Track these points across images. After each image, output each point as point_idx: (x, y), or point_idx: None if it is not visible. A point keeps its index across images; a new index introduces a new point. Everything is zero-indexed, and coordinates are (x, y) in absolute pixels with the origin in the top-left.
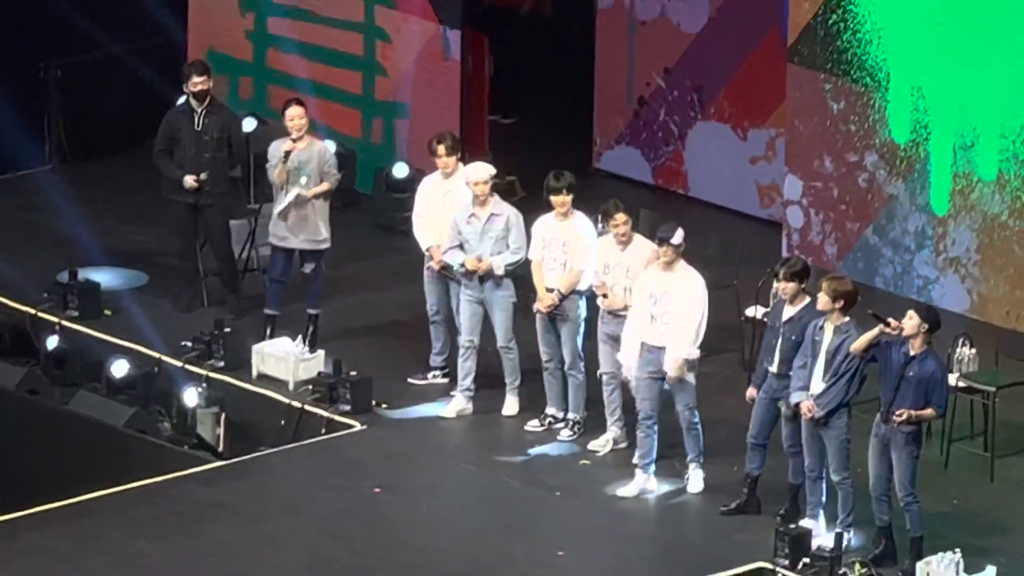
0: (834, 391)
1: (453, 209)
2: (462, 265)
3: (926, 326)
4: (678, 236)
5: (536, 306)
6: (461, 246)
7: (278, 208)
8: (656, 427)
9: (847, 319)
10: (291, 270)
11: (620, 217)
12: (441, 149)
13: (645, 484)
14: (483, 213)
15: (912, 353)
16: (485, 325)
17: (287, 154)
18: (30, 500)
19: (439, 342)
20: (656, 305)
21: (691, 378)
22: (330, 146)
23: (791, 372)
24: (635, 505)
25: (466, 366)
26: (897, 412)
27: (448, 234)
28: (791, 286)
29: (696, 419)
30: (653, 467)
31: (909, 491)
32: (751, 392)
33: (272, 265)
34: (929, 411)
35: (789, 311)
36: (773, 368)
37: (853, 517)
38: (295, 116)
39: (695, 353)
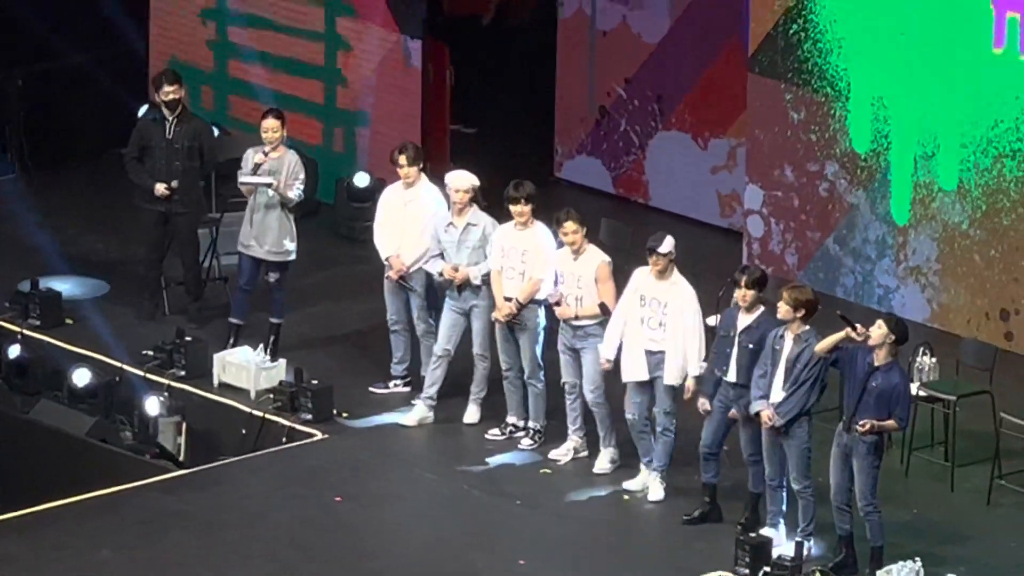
0: (794, 399)
1: (414, 219)
2: (440, 274)
3: (893, 337)
4: (666, 244)
5: (494, 315)
6: (441, 255)
7: (245, 179)
8: (648, 426)
9: (807, 328)
10: (257, 279)
11: (569, 226)
12: (402, 159)
13: (649, 480)
14: (460, 222)
15: (876, 364)
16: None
17: (257, 166)
18: None
19: (399, 351)
20: (645, 308)
21: (677, 384)
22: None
23: (749, 381)
24: (596, 514)
25: (435, 375)
26: (860, 423)
27: (408, 242)
28: (751, 293)
29: (672, 426)
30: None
31: (870, 501)
32: (703, 403)
33: (239, 273)
34: (891, 423)
35: (745, 319)
36: (729, 377)
37: (814, 526)
38: (270, 128)
39: (699, 370)
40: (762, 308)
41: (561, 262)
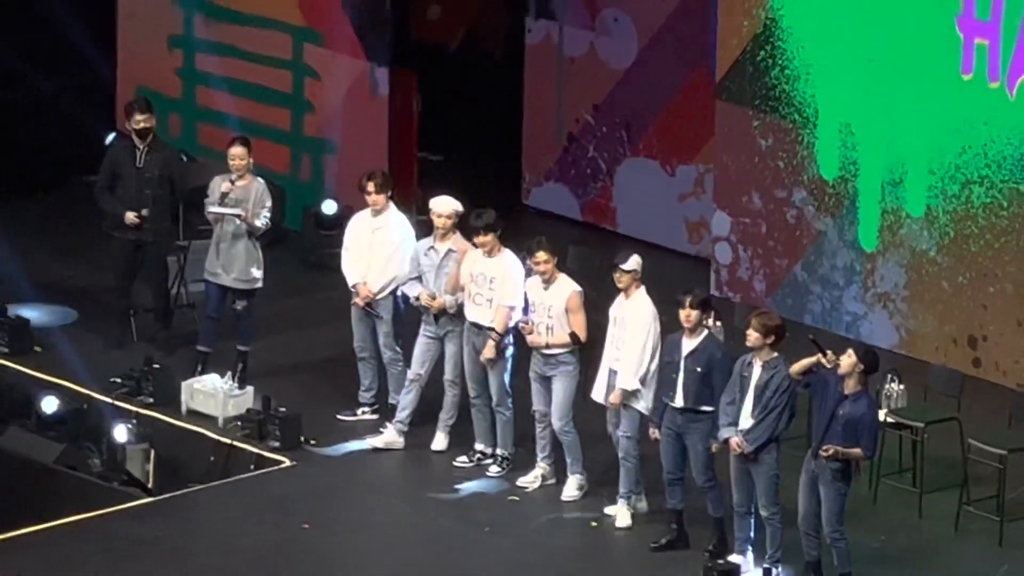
0: (763, 426)
1: (382, 246)
2: (417, 298)
3: (862, 367)
4: (631, 262)
5: (482, 357)
6: (419, 278)
7: (214, 210)
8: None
9: (776, 355)
10: (224, 307)
11: (540, 255)
12: (371, 186)
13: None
14: (441, 248)
15: (846, 392)
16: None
17: (223, 195)
18: None
19: (367, 379)
20: (614, 329)
21: (639, 406)
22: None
23: (697, 405)
24: (564, 540)
25: (406, 400)
26: (824, 447)
27: (375, 269)
28: (695, 314)
29: (634, 450)
30: (642, 491)
31: (836, 528)
32: (653, 432)
33: (206, 302)
34: (857, 451)
35: (689, 344)
36: (676, 403)
37: (781, 552)
38: (237, 156)
39: (635, 384)
40: (706, 331)
41: (532, 291)
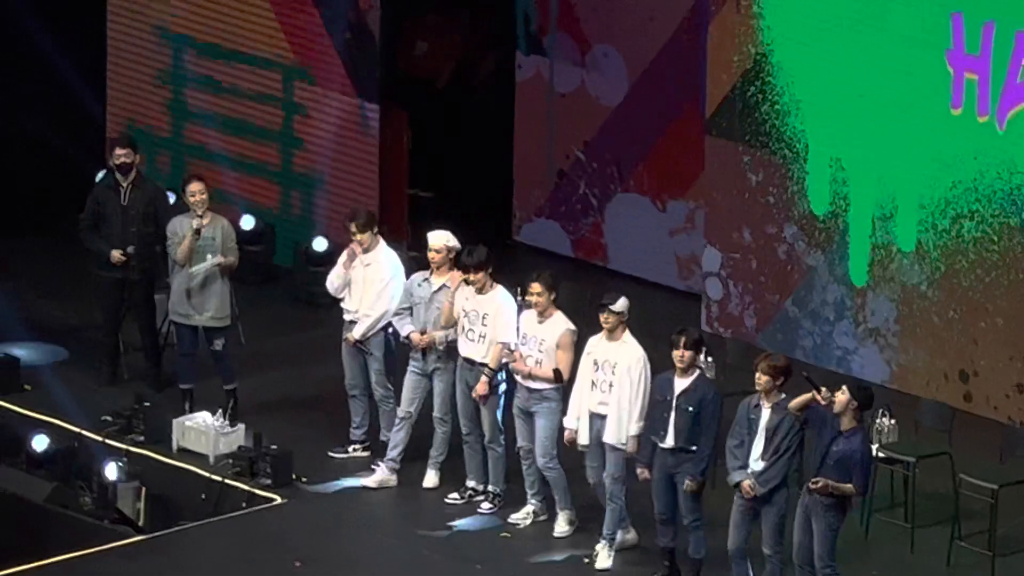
0: (775, 469)
1: (372, 282)
2: (407, 337)
3: (856, 403)
4: (620, 304)
5: (474, 393)
6: (411, 310)
7: (195, 269)
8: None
9: (783, 396)
10: (199, 344)
11: (535, 287)
12: (354, 227)
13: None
14: (436, 281)
15: (841, 429)
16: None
17: (198, 232)
18: None
19: (358, 416)
20: (598, 372)
21: (629, 448)
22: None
23: (689, 445)
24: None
25: (397, 437)
26: (814, 480)
27: (367, 304)
28: (689, 354)
29: (620, 492)
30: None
31: (827, 563)
32: (642, 472)
33: (179, 341)
34: (848, 487)
35: (682, 383)
36: (667, 443)
37: None
38: (197, 191)
39: (638, 429)
40: (698, 371)
41: (526, 324)
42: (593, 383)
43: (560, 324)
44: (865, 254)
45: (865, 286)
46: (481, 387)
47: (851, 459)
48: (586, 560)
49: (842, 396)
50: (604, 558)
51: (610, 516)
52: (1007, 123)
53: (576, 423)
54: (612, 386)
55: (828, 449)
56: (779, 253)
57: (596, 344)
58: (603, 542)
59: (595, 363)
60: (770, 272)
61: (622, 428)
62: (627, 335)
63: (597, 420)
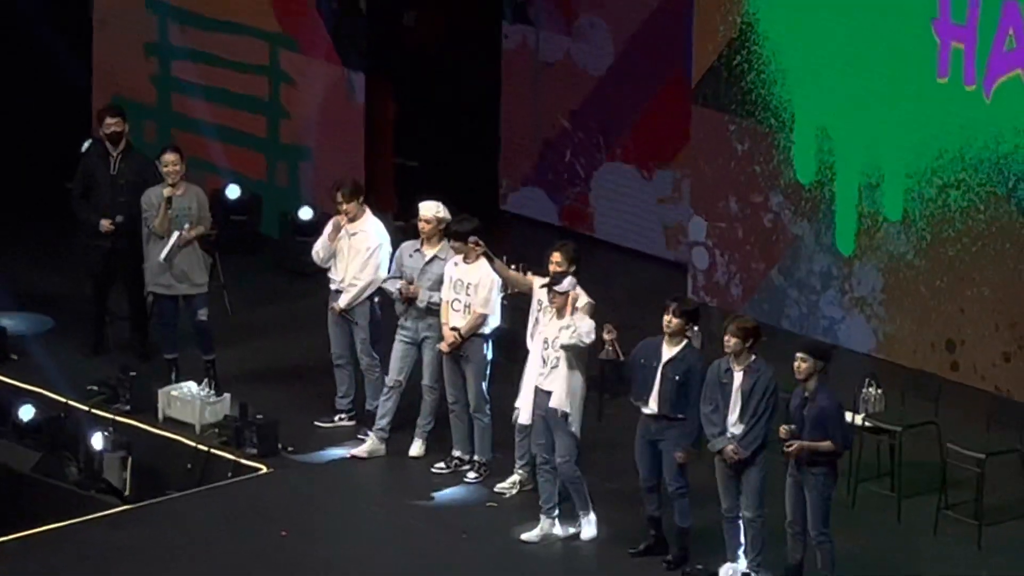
0: (756, 431)
1: (358, 251)
2: (399, 291)
3: (821, 363)
4: (565, 284)
5: (438, 346)
6: (400, 278)
7: (163, 255)
8: (555, 471)
9: (754, 358)
10: (179, 314)
11: (555, 257)
12: (340, 196)
13: (550, 529)
14: (428, 252)
15: (806, 394)
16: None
17: (169, 200)
18: None
19: (344, 385)
20: (548, 350)
21: (574, 428)
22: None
23: (672, 413)
24: (543, 547)
25: (386, 406)
26: (787, 444)
27: (353, 273)
28: (677, 322)
29: (576, 472)
30: (557, 511)
31: (822, 531)
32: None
33: (160, 313)
34: (824, 443)
35: (669, 351)
36: (650, 409)
37: (763, 556)
38: (171, 162)
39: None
40: (686, 340)
41: (541, 293)
42: (544, 360)
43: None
44: (851, 223)
45: (851, 255)
46: (443, 345)
47: (823, 417)
48: (572, 530)
49: (805, 364)
50: (589, 528)
51: (577, 496)
52: (993, 92)
53: (526, 403)
54: (559, 360)
55: (800, 415)
56: (765, 222)
57: (547, 324)
58: (581, 514)
59: (545, 341)
60: (756, 241)
61: (568, 398)
62: (578, 315)
63: (543, 396)
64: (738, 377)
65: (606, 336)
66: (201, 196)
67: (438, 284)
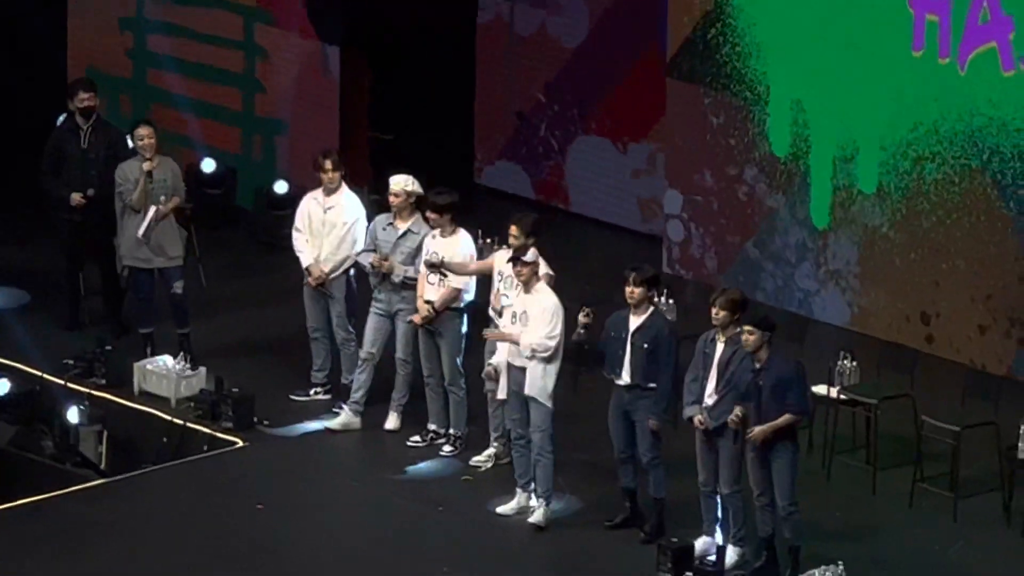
0: (726, 403)
1: (333, 225)
2: (372, 264)
3: (767, 335)
4: (531, 254)
5: (411, 318)
6: (374, 251)
7: (141, 231)
8: (530, 445)
9: (738, 330)
10: (154, 287)
11: (513, 230)
12: (328, 163)
13: (526, 503)
14: (401, 226)
15: (759, 365)
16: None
17: (150, 174)
18: None
19: (319, 358)
20: (516, 325)
21: (545, 401)
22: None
23: (645, 382)
24: (519, 520)
25: (360, 379)
26: (748, 431)
27: (328, 248)
28: (639, 291)
29: (549, 447)
30: (533, 484)
31: (790, 500)
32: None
33: (137, 286)
34: (783, 419)
35: (636, 320)
36: (623, 380)
37: (746, 531)
38: (146, 135)
39: (546, 345)
40: (652, 308)
41: (499, 263)
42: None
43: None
44: (826, 196)
45: (826, 228)
46: (417, 317)
47: (783, 384)
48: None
49: (751, 336)
50: (540, 515)
51: (542, 473)
52: (968, 65)
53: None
54: (529, 333)
55: (756, 385)
56: (740, 195)
57: (516, 299)
58: (540, 501)
59: (514, 316)
60: (731, 214)
61: (542, 379)
62: (541, 285)
63: (516, 372)
64: (719, 348)
65: (582, 319)
66: (176, 169)
67: (411, 258)
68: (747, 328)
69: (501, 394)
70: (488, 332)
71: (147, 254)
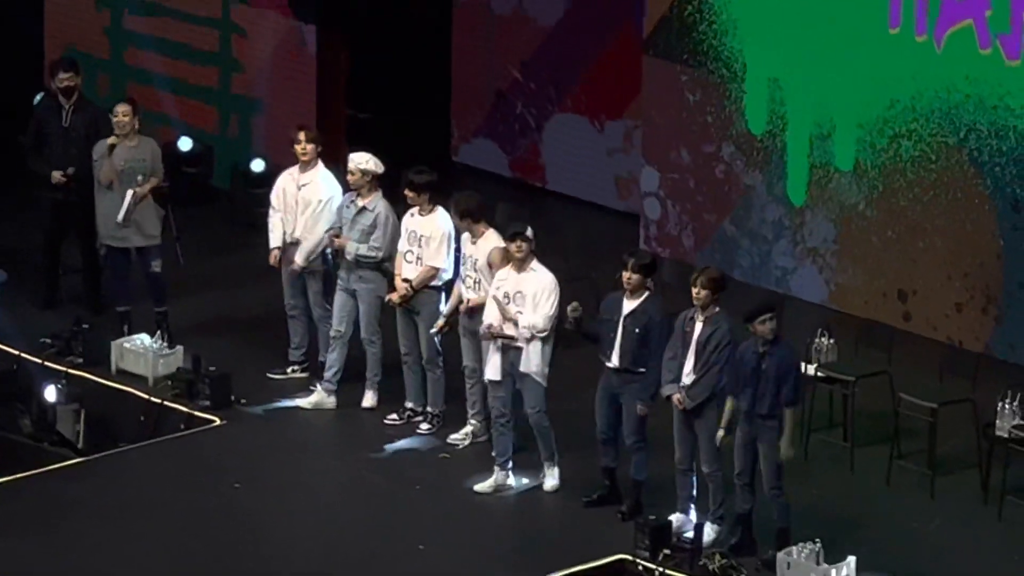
0: (704, 382)
1: (307, 203)
2: (329, 237)
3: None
4: (531, 230)
5: (389, 297)
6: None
7: (121, 215)
8: (510, 424)
9: (717, 310)
10: (132, 266)
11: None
12: (303, 136)
13: (504, 480)
14: (360, 202)
15: (763, 350)
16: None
17: (111, 148)
18: None
19: (297, 336)
20: (510, 305)
21: (540, 379)
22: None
23: (633, 366)
24: (496, 498)
25: (331, 358)
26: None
27: (303, 227)
28: (636, 277)
29: (545, 422)
30: (511, 464)
31: (775, 484)
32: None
33: (113, 265)
34: (789, 415)
35: (630, 304)
36: (612, 363)
37: (724, 509)
38: (120, 112)
39: (547, 325)
40: (647, 293)
41: (466, 244)
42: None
43: (490, 242)
44: (803, 173)
45: (803, 205)
46: (394, 296)
47: (783, 373)
48: (525, 481)
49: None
50: (552, 479)
51: (543, 443)
52: (944, 42)
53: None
54: (522, 315)
55: (759, 371)
56: (717, 173)
57: (506, 277)
58: (547, 465)
59: (505, 296)
60: (708, 192)
61: (539, 357)
62: (535, 263)
63: (511, 351)
64: (698, 327)
65: (570, 313)
66: (155, 149)
67: (366, 236)
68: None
69: (492, 374)
70: (485, 327)
71: (123, 232)
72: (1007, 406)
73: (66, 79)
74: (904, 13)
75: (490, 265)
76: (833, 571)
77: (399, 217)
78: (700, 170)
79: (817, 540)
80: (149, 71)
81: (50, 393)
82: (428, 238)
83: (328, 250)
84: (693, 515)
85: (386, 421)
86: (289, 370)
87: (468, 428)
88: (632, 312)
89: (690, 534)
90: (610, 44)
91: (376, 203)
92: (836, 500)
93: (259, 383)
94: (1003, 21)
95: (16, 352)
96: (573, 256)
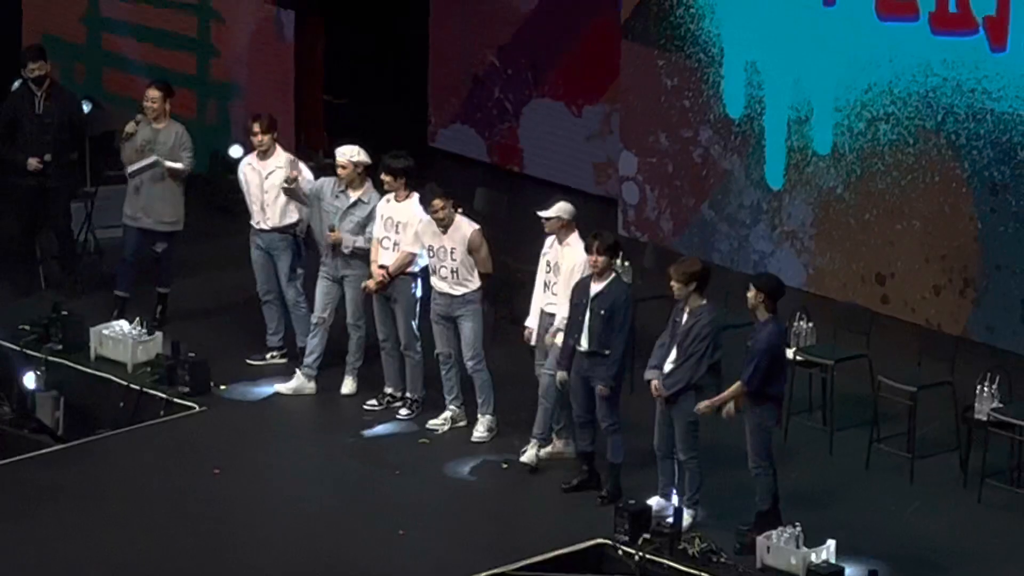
0: (681, 372)
1: (275, 189)
2: (302, 224)
3: (762, 296)
4: (552, 210)
5: (366, 284)
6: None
7: (134, 167)
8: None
9: (703, 302)
10: (143, 251)
11: (436, 203)
12: (256, 127)
13: (563, 448)
14: (352, 195)
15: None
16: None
17: (130, 135)
18: None
19: (273, 322)
20: (549, 273)
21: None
22: None
23: (602, 348)
24: (475, 483)
25: (312, 343)
26: (700, 405)
27: (272, 215)
28: (602, 259)
29: (554, 391)
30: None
31: (759, 462)
32: (561, 375)
33: (124, 246)
34: (727, 392)
35: (597, 286)
36: (582, 346)
37: (700, 494)
38: (150, 98)
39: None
40: (614, 275)
41: (428, 237)
42: (546, 284)
43: (465, 228)
44: (781, 157)
45: (781, 189)
46: (371, 283)
47: (752, 352)
48: (504, 465)
49: (749, 293)
50: (531, 455)
51: (541, 416)
52: (921, 25)
53: (533, 321)
54: (558, 286)
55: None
56: (695, 157)
57: (550, 246)
58: (532, 441)
59: (548, 264)
60: (686, 176)
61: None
62: (573, 237)
63: (547, 319)
64: (684, 317)
65: None
66: (181, 133)
67: (361, 227)
68: (748, 285)
69: (533, 340)
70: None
71: (135, 212)
72: (986, 389)
73: (36, 69)
74: None
75: (471, 251)
76: (813, 554)
77: None
78: (678, 154)
79: (797, 523)
80: (126, 57)
81: (29, 380)
82: (405, 224)
83: (299, 230)
84: (674, 499)
85: (365, 407)
86: (268, 356)
87: (447, 413)
88: (599, 294)
89: (671, 519)
90: (587, 29)
91: (370, 195)
92: (815, 484)
93: (238, 369)
94: (986, 4)
95: None
96: None
